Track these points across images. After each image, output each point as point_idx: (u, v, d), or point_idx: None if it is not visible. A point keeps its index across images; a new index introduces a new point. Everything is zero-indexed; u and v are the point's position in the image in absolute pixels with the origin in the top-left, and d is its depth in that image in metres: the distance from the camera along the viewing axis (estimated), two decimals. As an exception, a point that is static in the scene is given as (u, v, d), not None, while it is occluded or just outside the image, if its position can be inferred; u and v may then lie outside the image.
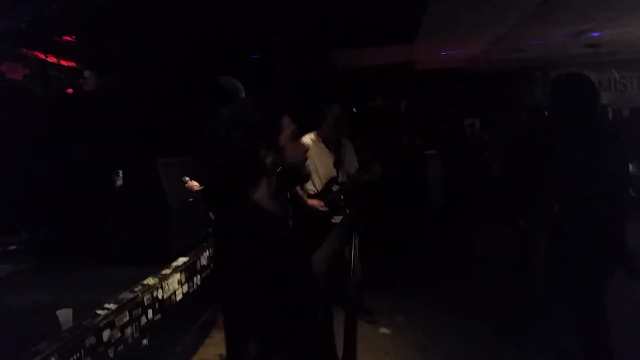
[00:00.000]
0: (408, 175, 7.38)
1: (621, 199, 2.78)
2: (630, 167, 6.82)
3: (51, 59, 5.88)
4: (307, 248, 1.62)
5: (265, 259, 1.35)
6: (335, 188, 4.39)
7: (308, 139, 4.32)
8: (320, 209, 4.21)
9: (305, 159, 1.60)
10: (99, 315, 2.65)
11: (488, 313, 4.47)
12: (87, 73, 6.38)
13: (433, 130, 8.91)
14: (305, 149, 1.61)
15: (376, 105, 9.97)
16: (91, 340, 2.49)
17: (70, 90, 6.05)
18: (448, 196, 8.03)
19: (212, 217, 4.65)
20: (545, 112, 5.53)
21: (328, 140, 4.45)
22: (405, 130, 8.07)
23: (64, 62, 6.10)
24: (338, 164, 4.43)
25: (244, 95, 3.54)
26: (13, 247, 4.37)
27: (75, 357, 2.35)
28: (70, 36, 5.75)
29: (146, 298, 3.05)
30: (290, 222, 4.02)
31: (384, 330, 4.19)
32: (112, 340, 2.66)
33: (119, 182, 4.37)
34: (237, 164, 1.44)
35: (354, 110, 8.81)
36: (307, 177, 1.69)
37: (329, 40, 6.86)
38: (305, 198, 4.23)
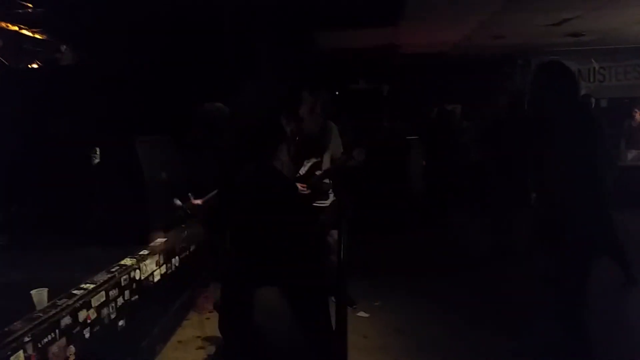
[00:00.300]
0: (389, 161, 7.39)
1: (604, 186, 2.82)
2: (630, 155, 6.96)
3: (26, 32, 5.70)
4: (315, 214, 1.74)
5: (275, 218, 1.43)
6: (318, 172, 4.37)
7: None
8: (303, 192, 4.19)
9: (323, 132, 1.71)
10: (74, 295, 2.61)
11: (466, 298, 4.54)
12: (63, 47, 6.21)
13: (414, 115, 8.94)
14: (323, 122, 1.71)
15: (359, 88, 9.94)
16: (66, 320, 2.45)
17: (42, 64, 5.89)
18: (428, 182, 8.09)
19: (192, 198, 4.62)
20: (525, 101, 5.58)
21: (312, 123, 4.41)
22: (387, 115, 8.07)
23: (39, 36, 5.92)
24: (323, 147, 4.40)
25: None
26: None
27: (49, 337, 2.32)
28: (45, 8, 5.58)
29: (123, 279, 3.02)
30: None
31: (362, 313, 4.22)
32: (88, 321, 2.62)
33: (96, 160, 4.30)
34: (259, 129, 1.51)
35: (337, 93, 8.77)
36: (323, 148, 1.75)
37: (313, 21, 6.79)
38: None
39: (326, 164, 4.28)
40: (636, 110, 7.28)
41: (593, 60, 10.35)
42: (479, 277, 5.05)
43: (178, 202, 3.69)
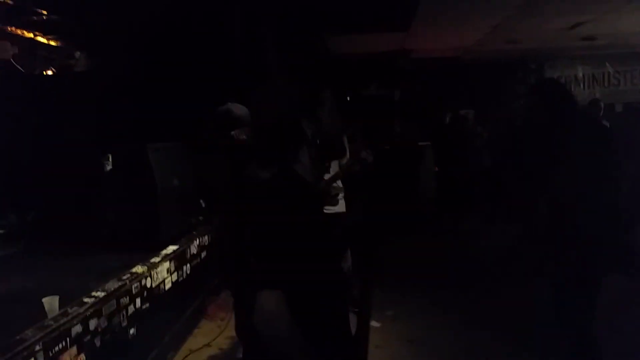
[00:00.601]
0: (401, 166, 7.36)
1: (614, 198, 2.75)
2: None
3: (41, 39, 5.76)
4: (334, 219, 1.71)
5: (295, 222, 1.41)
6: (326, 177, 4.33)
7: None
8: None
9: (343, 135, 1.69)
10: (85, 303, 2.61)
11: (480, 309, 4.46)
12: (77, 54, 6.27)
13: (427, 120, 8.89)
14: (340, 124, 1.70)
15: (370, 93, 9.91)
16: (77, 328, 2.45)
17: (59, 71, 5.95)
18: (441, 187, 8.04)
19: (203, 205, 4.63)
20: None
21: (331, 125, 4.37)
22: (399, 120, 8.03)
23: (54, 43, 5.98)
24: (343, 150, 4.35)
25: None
26: (1, 231, 4.31)
27: (60, 346, 2.32)
28: (60, 15, 5.63)
29: (134, 286, 3.01)
30: None
31: (374, 323, 4.18)
32: (99, 329, 2.62)
33: (109, 167, 4.32)
34: (280, 131, 1.50)
35: (348, 97, 8.76)
36: (343, 151, 1.73)
37: (325, 25, 6.79)
38: None
39: (334, 168, 4.26)
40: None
41: (608, 65, 10.23)
42: (493, 286, 4.98)
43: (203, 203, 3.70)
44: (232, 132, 2.44)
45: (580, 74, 10.39)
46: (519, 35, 7.82)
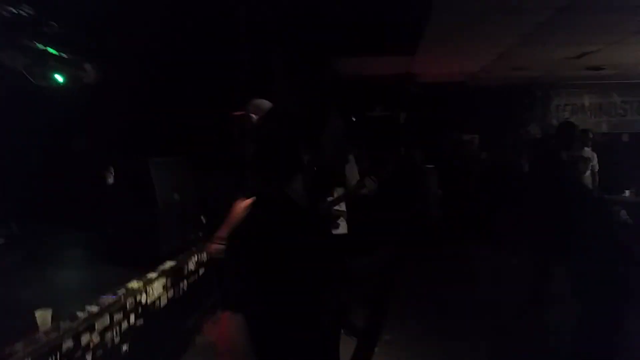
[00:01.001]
0: (405, 189, 7.34)
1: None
2: (627, 192, 6.80)
3: (52, 51, 5.83)
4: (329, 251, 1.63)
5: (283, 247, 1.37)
6: (330, 199, 4.33)
7: None
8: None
9: (344, 163, 1.66)
10: (78, 317, 2.59)
11: (478, 334, 4.41)
12: (87, 66, 6.33)
13: (431, 144, 8.90)
14: (345, 152, 1.66)
15: (376, 115, 9.95)
16: (68, 343, 2.43)
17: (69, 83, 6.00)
18: (445, 211, 8.01)
19: (204, 221, 4.62)
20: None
21: (333, 152, 4.37)
22: (404, 143, 8.04)
23: (65, 55, 6.05)
24: (341, 181, 4.35)
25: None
26: (1, 241, 4.31)
27: (51, 360, 2.30)
28: (72, 28, 5.70)
29: (129, 302, 3.00)
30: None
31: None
32: (91, 345, 2.61)
33: (111, 180, 4.34)
34: (273, 155, 1.48)
35: (354, 119, 8.78)
36: (341, 181, 1.71)
37: (332, 48, 6.85)
38: None
39: (339, 191, 4.25)
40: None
41: (614, 94, 10.25)
42: (495, 313, 4.90)
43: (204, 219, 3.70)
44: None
45: (587, 103, 10.40)
46: (525, 62, 7.86)
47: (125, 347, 2.93)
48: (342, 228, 4.11)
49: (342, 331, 1.95)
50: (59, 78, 5.94)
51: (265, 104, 3.09)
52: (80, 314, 2.63)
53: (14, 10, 4.90)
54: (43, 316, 2.50)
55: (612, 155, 7.62)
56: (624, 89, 10.12)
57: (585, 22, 5.65)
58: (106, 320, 2.76)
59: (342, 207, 4.11)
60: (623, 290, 2.83)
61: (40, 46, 5.61)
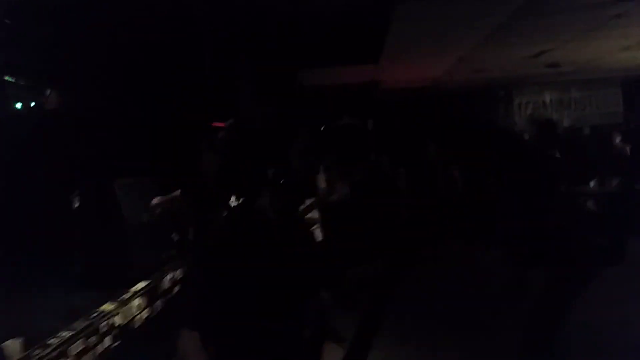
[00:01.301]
0: (376, 194, 7.37)
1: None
2: (592, 183, 6.98)
3: (9, 77, 5.72)
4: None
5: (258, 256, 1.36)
6: (301, 208, 4.34)
7: None
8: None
9: (313, 177, 1.64)
10: (50, 345, 2.52)
11: (461, 341, 4.39)
12: (48, 92, 6.22)
13: (400, 149, 8.97)
14: (315, 163, 1.66)
15: (343, 123, 9.99)
16: (41, 372, 2.36)
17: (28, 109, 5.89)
18: (415, 214, 8.06)
19: (175, 239, 4.57)
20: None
21: (301, 166, 4.41)
22: (373, 149, 8.08)
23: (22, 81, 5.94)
24: (308, 194, 4.38)
25: None
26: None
27: (22, 391, 2.23)
28: (30, 55, 5.62)
29: (102, 325, 2.93)
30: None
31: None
32: (65, 371, 2.54)
33: (77, 203, 4.25)
34: (236, 170, 1.48)
35: (321, 128, 8.81)
36: (311, 193, 1.68)
37: (297, 60, 6.90)
38: None
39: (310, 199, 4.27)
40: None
41: (573, 90, 10.56)
42: (476, 318, 4.87)
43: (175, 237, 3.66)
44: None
45: (548, 100, 10.69)
46: (486, 64, 8.05)
47: (101, 372, 2.86)
48: (317, 235, 4.12)
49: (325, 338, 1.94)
50: (18, 105, 5.86)
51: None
52: (53, 341, 2.56)
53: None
54: (12, 346, 2.42)
55: (576, 149, 7.82)
56: (582, 84, 10.44)
57: (542, 22, 5.83)
58: (80, 344, 2.69)
59: (314, 214, 4.13)
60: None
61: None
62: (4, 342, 2.43)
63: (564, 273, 2.84)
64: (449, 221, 7.44)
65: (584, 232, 3.15)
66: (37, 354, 2.41)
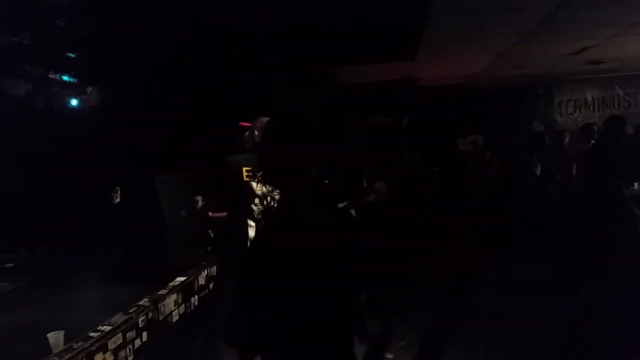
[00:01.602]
0: (411, 193, 7.31)
1: None
2: (636, 185, 6.73)
3: (53, 75, 5.89)
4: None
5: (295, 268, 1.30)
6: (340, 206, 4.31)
7: None
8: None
9: (361, 175, 1.55)
10: (91, 337, 2.59)
11: (490, 338, 4.35)
12: (89, 89, 6.39)
13: (435, 147, 8.88)
14: (362, 164, 1.57)
15: (378, 121, 9.95)
16: (82, 364, 2.43)
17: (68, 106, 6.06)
18: (446, 215, 7.96)
19: (212, 236, 4.62)
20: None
21: (348, 161, 4.35)
22: (408, 147, 8.02)
23: (66, 78, 6.11)
24: (356, 190, 4.33)
25: None
26: (10, 265, 4.33)
27: (65, 381, 2.30)
28: (73, 52, 5.78)
29: (141, 320, 2.99)
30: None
31: (386, 354, 4.09)
32: (104, 364, 2.60)
33: (117, 199, 4.35)
34: (280, 170, 1.39)
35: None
36: (357, 192, 1.60)
37: (332, 58, 6.87)
38: None
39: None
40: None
41: (617, 87, 10.20)
42: (503, 315, 4.83)
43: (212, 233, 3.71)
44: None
45: (590, 97, 10.36)
46: (525, 61, 7.85)
47: (139, 365, 2.92)
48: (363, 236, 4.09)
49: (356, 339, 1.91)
50: (61, 102, 6.04)
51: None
52: (93, 334, 2.63)
53: (13, 38, 4.98)
54: (55, 338, 2.50)
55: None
56: (626, 81, 10.07)
57: (584, 17, 5.64)
58: (119, 338, 2.75)
59: (352, 213, 4.09)
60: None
61: (41, 71, 5.69)
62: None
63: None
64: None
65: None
66: (78, 346, 2.48)
